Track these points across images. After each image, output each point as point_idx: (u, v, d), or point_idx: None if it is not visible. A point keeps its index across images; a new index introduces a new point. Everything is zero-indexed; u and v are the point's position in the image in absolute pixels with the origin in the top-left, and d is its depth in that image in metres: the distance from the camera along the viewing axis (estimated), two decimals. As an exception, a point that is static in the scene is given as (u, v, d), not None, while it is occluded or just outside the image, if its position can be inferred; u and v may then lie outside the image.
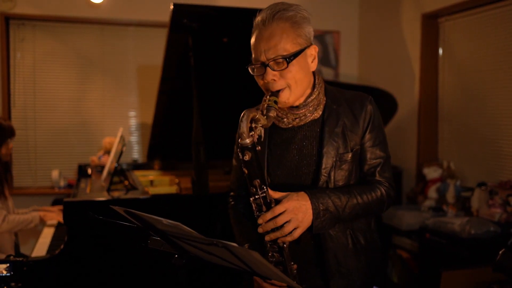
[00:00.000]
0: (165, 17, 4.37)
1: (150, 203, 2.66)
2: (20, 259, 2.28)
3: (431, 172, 3.98)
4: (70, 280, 2.41)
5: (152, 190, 3.15)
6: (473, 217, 3.31)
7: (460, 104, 4.01)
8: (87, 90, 4.74)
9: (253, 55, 1.57)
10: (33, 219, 2.89)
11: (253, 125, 1.45)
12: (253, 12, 3.30)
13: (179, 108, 3.50)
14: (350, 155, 1.59)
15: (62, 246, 2.39)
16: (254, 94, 3.54)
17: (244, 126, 1.41)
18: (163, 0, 4.49)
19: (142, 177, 3.63)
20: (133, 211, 1.34)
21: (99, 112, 4.79)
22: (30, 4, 4.42)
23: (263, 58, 1.52)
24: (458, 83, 4.03)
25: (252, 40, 1.57)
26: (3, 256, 2.59)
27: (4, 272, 2.13)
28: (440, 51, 4.21)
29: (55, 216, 3.07)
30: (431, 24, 4.20)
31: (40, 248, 2.77)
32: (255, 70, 1.56)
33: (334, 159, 1.57)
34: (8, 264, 2.14)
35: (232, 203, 1.84)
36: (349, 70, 5.22)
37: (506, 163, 3.55)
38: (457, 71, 4.04)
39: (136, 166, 4.23)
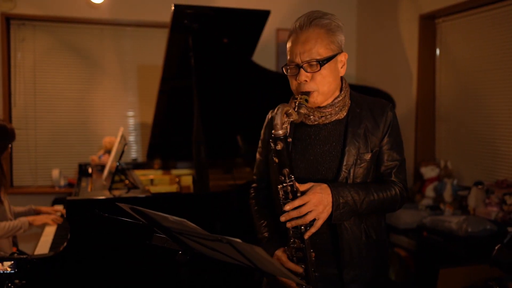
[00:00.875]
0: (165, 17, 4.40)
1: (151, 202, 2.69)
2: (24, 256, 2.30)
3: (429, 171, 4.02)
4: (73, 277, 2.44)
5: (153, 189, 3.19)
6: (470, 216, 3.35)
7: (457, 104, 4.05)
8: (87, 90, 4.76)
9: (288, 57, 1.69)
10: (22, 225, 2.92)
11: (286, 119, 1.55)
12: (252, 13, 3.35)
13: (179, 108, 3.53)
14: (369, 155, 1.70)
15: (65, 244, 2.41)
16: (253, 94, 3.58)
17: (278, 119, 1.50)
18: (162, 0, 4.53)
19: (142, 176, 3.66)
20: (139, 208, 1.37)
21: (99, 111, 4.81)
22: (31, 4, 4.44)
23: (298, 60, 1.64)
24: (455, 83, 4.07)
25: (289, 44, 1.69)
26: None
27: (9, 270, 2.15)
28: (437, 51, 4.25)
29: (44, 219, 3.11)
30: (428, 24, 4.24)
31: (43, 246, 2.80)
32: (289, 70, 1.68)
33: (355, 157, 1.69)
34: (12, 262, 2.17)
35: (253, 194, 1.96)
36: (347, 70, 5.12)
37: (503, 162, 3.59)
38: (454, 71, 4.08)
39: (136, 165, 4.26)
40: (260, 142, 1.95)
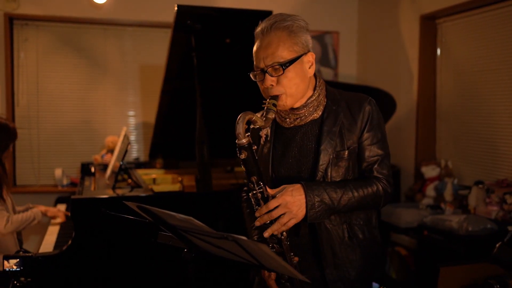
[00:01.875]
0: (167, 17, 4.43)
1: (155, 201, 2.71)
2: (29, 254, 2.33)
3: (429, 171, 4.04)
4: (77, 275, 2.47)
5: (156, 188, 3.21)
6: (470, 215, 3.37)
7: (457, 104, 4.07)
8: (90, 90, 4.78)
9: (254, 63, 1.69)
10: (35, 215, 2.94)
11: (251, 126, 1.57)
12: (255, 14, 3.38)
13: (181, 107, 3.55)
14: (346, 153, 1.68)
15: (69, 242, 2.44)
16: (256, 94, 3.59)
17: (240, 128, 1.51)
18: (165, 1, 4.55)
19: (145, 175, 3.68)
20: (146, 206, 1.39)
21: (101, 111, 4.83)
22: (34, 4, 4.47)
23: (262, 65, 1.64)
24: (455, 83, 4.09)
25: (254, 48, 1.68)
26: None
27: (14, 267, 2.18)
28: (438, 51, 4.27)
29: (56, 211, 3.13)
30: (429, 25, 4.26)
31: (47, 244, 2.83)
32: (256, 76, 1.68)
33: (331, 156, 1.67)
34: (18, 259, 2.19)
35: (245, 197, 1.97)
36: (348, 70, 5.28)
37: (503, 162, 3.61)
38: (454, 71, 4.10)
39: (138, 164, 4.29)
40: None
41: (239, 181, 3.40)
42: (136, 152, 4.94)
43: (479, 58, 3.82)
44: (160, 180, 3.64)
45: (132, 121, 4.93)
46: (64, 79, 4.71)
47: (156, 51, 4.82)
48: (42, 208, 3.07)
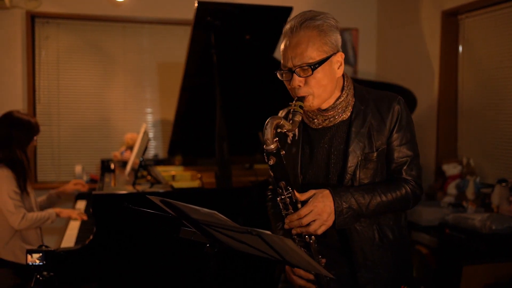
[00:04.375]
0: (185, 15, 4.45)
1: (174, 197, 2.70)
2: (52, 249, 2.35)
3: (451, 169, 3.98)
4: (99, 269, 2.49)
5: (176, 185, 3.22)
6: (493, 213, 3.31)
7: (479, 101, 4.01)
8: (109, 87, 4.82)
9: (281, 61, 1.64)
10: (50, 216, 3.01)
11: (279, 130, 1.54)
12: (275, 10, 3.37)
13: (201, 104, 3.56)
14: (375, 155, 1.66)
15: (91, 237, 2.46)
16: (275, 91, 3.58)
17: (268, 133, 1.49)
18: (184, -2, 4.57)
19: (164, 172, 3.69)
20: (169, 200, 1.39)
21: (121, 108, 4.86)
22: (55, 3, 4.51)
23: (290, 65, 1.59)
24: (477, 80, 4.03)
25: (282, 46, 1.63)
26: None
27: (37, 262, 2.20)
28: (460, 48, 4.21)
29: (70, 212, 3.18)
30: (451, 21, 4.20)
31: (68, 239, 2.86)
32: (283, 75, 1.64)
33: (360, 158, 1.64)
34: (41, 254, 2.21)
35: (270, 196, 1.96)
36: (368, 67, 5.23)
37: (527, 160, 3.55)
38: (476, 68, 4.04)
39: (157, 161, 4.31)
40: None
41: (259, 178, 3.39)
42: (154, 149, 4.97)
43: (501, 55, 3.76)
44: (179, 176, 3.64)
45: (150, 118, 4.96)
46: (84, 76, 4.75)
47: (174, 48, 4.83)
48: (57, 209, 3.12)
